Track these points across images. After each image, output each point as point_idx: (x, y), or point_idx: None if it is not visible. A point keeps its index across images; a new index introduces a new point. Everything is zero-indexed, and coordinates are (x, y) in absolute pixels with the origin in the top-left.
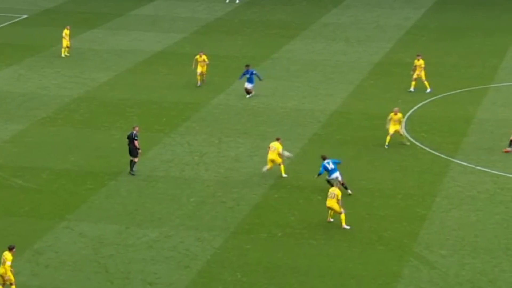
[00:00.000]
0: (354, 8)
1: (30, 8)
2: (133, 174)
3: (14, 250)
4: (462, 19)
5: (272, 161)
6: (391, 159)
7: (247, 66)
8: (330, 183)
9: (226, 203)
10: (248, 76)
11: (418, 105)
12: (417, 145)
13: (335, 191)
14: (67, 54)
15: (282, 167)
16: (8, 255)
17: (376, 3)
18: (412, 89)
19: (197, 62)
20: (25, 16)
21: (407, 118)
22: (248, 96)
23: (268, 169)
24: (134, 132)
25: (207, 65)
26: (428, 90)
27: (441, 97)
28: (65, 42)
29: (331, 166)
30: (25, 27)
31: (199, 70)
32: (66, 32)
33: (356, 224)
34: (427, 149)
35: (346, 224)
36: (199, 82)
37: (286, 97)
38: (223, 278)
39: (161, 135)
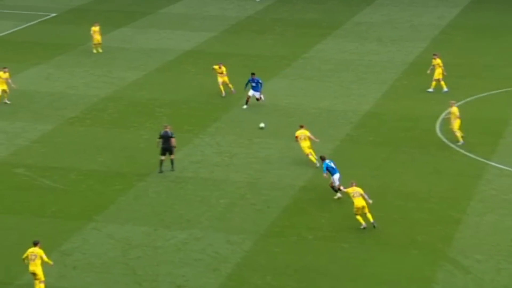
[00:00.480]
0: (387, 6)
1: (59, 7)
2: (172, 170)
3: (39, 245)
4: (499, 18)
5: (309, 147)
6: (425, 161)
7: (253, 74)
8: (334, 189)
9: (256, 205)
10: (253, 84)
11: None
12: (452, 147)
13: (355, 190)
14: (100, 50)
15: (312, 157)
16: (38, 251)
17: (410, 1)
18: (445, 89)
19: (216, 72)
20: (54, 14)
21: (442, 120)
22: (244, 107)
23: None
24: (169, 130)
25: (226, 75)
26: (431, 90)
27: (477, 98)
28: (95, 39)
29: (332, 165)
30: (54, 25)
31: (220, 80)
32: (93, 29)
33: (389, 228)
34: (462, 151)
35: (375, 222)
36: (223, 92)
37: (317, 97)
38: (253, 282)
39: (190, 136)
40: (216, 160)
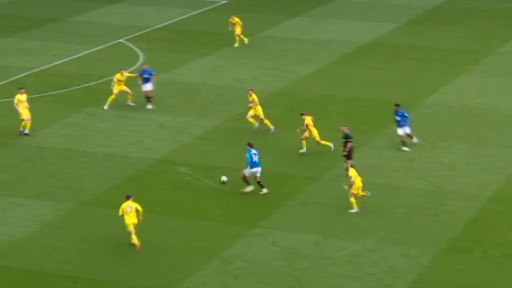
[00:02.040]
0: None
1: None
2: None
3: (132, 198)
4: None
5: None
6: None
7: (397, 105)
8: (247, 181)
9: (437, 216)
10: (397, 118)
11: None
12: None
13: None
14: (236, 45)
15: (324, 142)
16: (133, 203)
17: None
18: None
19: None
20: (224, 1)
21: None
22: (405, 149)
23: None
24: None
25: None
26: None
27: None
28: (237, 31)
29: (255, 158)
30: (223, 14)
31: (251, 112)
32: (231, 21)
33: None
34: None
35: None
36: (255, 124)
37: None
38: None
39: (366, 137)
40: (394, 165)
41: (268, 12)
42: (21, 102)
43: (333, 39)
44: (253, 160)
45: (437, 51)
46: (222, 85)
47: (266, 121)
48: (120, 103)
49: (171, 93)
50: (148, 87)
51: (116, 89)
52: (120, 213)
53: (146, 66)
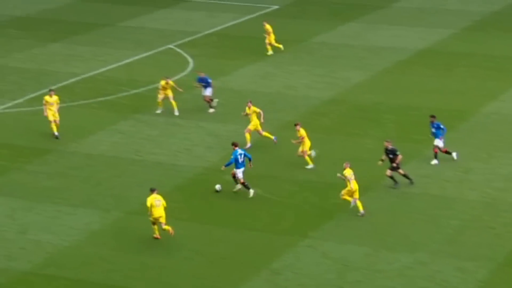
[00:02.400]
0: None
1: None
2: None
3: (157, 191)
4: None
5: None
6: None
7: (433, 117)
8: (246, 186)
9: (494, 229)
10: (433, 130)
11: None
12: None
13: (351, 172)
14: (272, 52)
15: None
16: (160, 196)
17: None
18: None
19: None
20: (276, 7)
21: None
22: (434, 162)
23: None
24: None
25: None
26: None
27: None
28: (268, 39)
29: (241, 159)
30: (275, 19)
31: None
32: (264, 28)
33: None
34: None
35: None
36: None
37: None
38: None
39: (419, 147)
40: (448, 175)
41: (320, 18)
42: (49, 104)
43: (386, 45)
44: (239, 161)
45: (494, 58)
46: (271, 92)
47: (264, 132)
48: (169, 110)
49: (221, 101)
50: (206, 92)
51: (161, 94)
52: (148, 205)
53: (202, 74)
